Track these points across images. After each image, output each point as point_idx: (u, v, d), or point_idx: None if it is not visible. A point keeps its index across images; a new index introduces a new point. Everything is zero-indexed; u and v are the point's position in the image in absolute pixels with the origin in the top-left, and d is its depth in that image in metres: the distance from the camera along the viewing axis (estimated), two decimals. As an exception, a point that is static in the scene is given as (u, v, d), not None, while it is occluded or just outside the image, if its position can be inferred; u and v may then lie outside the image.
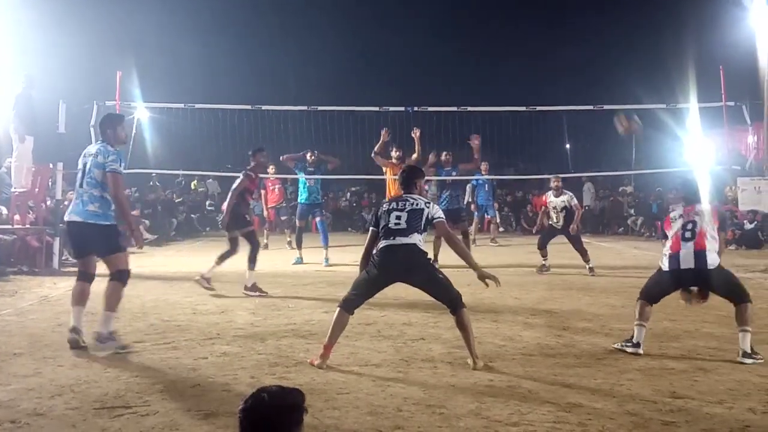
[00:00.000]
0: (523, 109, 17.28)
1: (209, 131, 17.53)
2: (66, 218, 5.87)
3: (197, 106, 17.15)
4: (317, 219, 12.08)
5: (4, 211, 11.01)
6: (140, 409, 3.83)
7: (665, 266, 5.31)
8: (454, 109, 17.10)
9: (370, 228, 5.21)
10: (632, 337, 5.22)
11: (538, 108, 17.42)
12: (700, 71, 17.92)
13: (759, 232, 14.65)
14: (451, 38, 31.92)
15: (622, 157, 26.77)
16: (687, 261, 5.15)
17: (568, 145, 29.24)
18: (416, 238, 4.91)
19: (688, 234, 5.23)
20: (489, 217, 17.22)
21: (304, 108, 17.16)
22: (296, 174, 12.10)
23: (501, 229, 21.93)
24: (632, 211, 21.25)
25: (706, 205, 5.50)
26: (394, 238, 4.89)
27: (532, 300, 7.79)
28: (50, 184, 11.62)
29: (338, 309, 4.92)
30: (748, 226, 14.89)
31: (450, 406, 3.90)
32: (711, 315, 6.74)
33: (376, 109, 17.01)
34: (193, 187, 23.99)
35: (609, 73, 25.78)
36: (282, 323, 6.39)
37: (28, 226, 10.65)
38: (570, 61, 28.68)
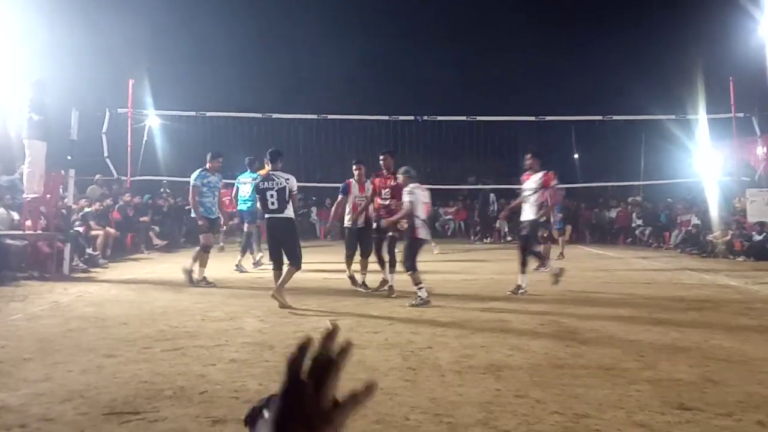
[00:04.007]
0: (533, 118, 17.32)
1: (220, 139, 17.66)
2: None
3: (208, 114, 17.30)
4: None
5: (16, 216, 11.10)
6: (149, 415, 3.85)
7: None
8: (464, 118, 17.17)
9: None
10: None
11: (547, 118, 17.45)
12: (710, 82, 17.92)
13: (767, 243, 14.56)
14: (461, 48, 31.95)
15: (632, 168, 26.73)
16: None
17: (576, 155, 29.22)
18: (288, 212, 7.57)
19: None
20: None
21: (314, 116, 17.28)
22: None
23: (509, 239, 21.94)
24: (640, 222, 21.20)
25: None
26: (273, 213, 7.56)
27: (541, 309, 7.78)
28: (61, 190, 11.71)
29: (274, 271, 7.74)
30: (757, 237, 14.81)
31: (458, 415, 3.90)
32: (720, 326, 6.73)
33: (386, 118, 17.11)
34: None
35: (618, 83, 25.68)
36: (290, 330, 6.41)
37: (39, 231, 10.72)
38: (579, 71, 28.63)
